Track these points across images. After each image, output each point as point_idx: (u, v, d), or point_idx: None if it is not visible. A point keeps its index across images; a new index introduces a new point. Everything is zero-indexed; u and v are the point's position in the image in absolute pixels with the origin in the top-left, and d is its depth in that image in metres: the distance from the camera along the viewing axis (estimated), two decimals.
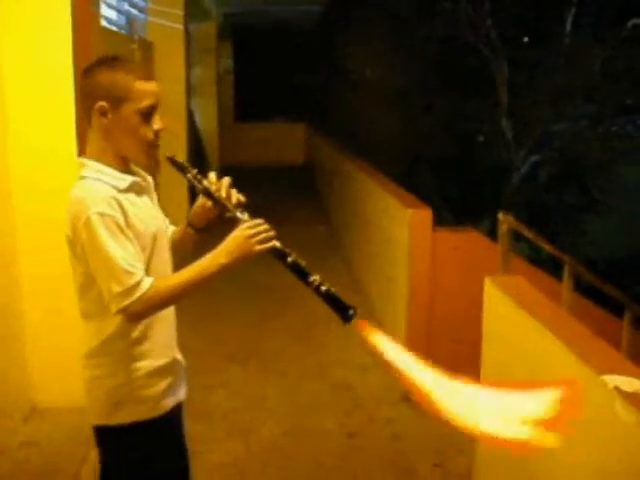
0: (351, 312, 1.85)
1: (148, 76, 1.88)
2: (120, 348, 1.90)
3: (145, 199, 1.96)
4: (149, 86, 1.87)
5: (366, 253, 6.21)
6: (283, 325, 5.53)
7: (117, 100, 1.83)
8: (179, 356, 2.08)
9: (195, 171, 1.99)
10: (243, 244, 1.84)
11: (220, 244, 1.87)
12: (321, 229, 9.01)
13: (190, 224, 2.10)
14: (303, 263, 1.89)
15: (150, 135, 1.88)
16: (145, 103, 1.85)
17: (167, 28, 7.52)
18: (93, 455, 3.38)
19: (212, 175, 2.01)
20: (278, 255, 1.89)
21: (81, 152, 3.72)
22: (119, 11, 6.52)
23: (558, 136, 10.89)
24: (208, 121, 11.02)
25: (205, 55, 10.98)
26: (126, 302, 1.76)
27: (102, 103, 1.83)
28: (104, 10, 5.53)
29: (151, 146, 1.90)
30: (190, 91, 8.65)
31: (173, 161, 1.98)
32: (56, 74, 3.63)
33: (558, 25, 10.83)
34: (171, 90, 7.60)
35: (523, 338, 2.52)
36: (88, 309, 1.90)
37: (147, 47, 7.06)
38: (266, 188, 12.42)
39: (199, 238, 2.13)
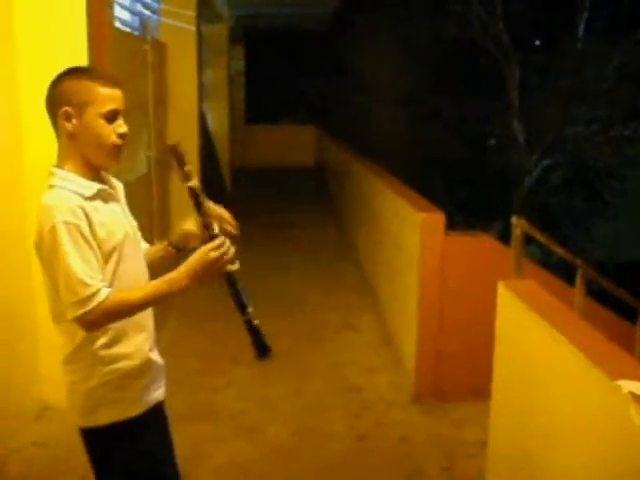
0: (269, 353, 2.01)
1: (113, 82, 1.93)
2: (91, 353, 1.94)
3: (113, 206, 1.99)
4: (113, 91, 1.92)
5: (377, 255, 6.21)
6: (290, 326, 5.53)
7: (81, 105, 1.88)
8: (155, 357, 2.11)
9: (190, 167, 2.01)
10: (210, 268, 1.88)
11: (184, 264, 1.89)
12: (332, 231, 9.01)
13: (171, 244, 2.16)
14: (247, 293, 1.98)
15: (114, 138, 1.92)
16: (108, 107, 1.90)
17: (180, 30, 7.53)
18: None
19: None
20: (229, 279, 1.95)
21: None
22: (132, 12, 6.54)
23: (570, 140, 10.86)
24: (219, 123, 11.01)
25: (217, 57, 10.98)
26: (80, 312, 1.79)
27: (66, 108, 1.88)
28: (117, 11, 5.55)
29: (116, 148, 1.94)
30: (202, 93, 8.66)
31: (174, 149, 1.99)
32: None
33: (570, 29, 10.81)
34: (184, 92, 7.61)
35: (536, 342, 2.51)
36: (58, 314, 1.92)
37: (160, 48, 7.07)
38: (277, 190, 12.46)
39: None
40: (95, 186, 1.92)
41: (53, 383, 3.89)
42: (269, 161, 14.83)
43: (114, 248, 1.91)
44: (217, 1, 10.19)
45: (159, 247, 2.19)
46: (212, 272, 1.89)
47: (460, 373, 4.17)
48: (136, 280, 1.99)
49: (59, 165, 1.93)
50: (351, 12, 12.39)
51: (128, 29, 6.21)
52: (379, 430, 3.94)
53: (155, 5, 7.36)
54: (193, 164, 8.49)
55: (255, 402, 4.23)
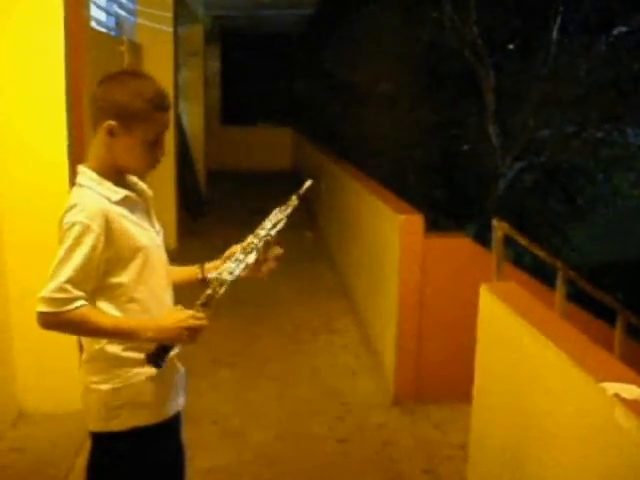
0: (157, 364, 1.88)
1: (167, 105, 1.89)
2: (118, 353, 1.89)
3: (139, 215, 1.94)
4: (165, 117, 1.88)
5: (354, 258, 6.20)
6: (271, 329, 5.50)
7: (129, 123, 1.83)
8: (179, 364, 2.07)
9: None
10: (176, 334, 1.84)
11: (162, 319, 1.87)
12: (308, 234, 8.98)
13: (202, 268, 2.15)
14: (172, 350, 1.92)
15: (152, 162, 1.91)
16: (156, 132, 1.87)
17: (156, 30, 7.47)
18: (80, 462, 3.35)
19: None
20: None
21: (72, 157, 3.69)
22: (108, 13, 6.48)
23: (544, 143, 10.96)
24: (195, 124, 10.93)
25: (193, 58, 10.91)
26: (44, 309, 1.75)
27: (112, 122, 1.82)
28: (93, 11, 5.49)
29: (150, 167, 1.93)
30: (177, 94, 8.60)
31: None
32: (48, 78, 3.61)
33: (544, 33, 10.89)
34: None
35: (519, 344, 2.52)
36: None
37: (136, 49, 7.01)
38: (251, 192, 12.40)
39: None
40: (122, 192, 1.87)
41: (29, 389, 3.84)
42: (245, 163, 14.75)
43: (138, 249, 1.87)
44: (193, 2, 10.13)
45: (186, 268, 2.17)
46: (176, 339, 1.86)
47: (441, 375, 4.18)
48: (160, 289, 1.96)
49: (89, 164, 1.89)
50: (329, 15, 12.39)
51: (104, 29, 6.16)
52: (360, 433, 3.93)
53: (131, 6, 7.29)
54: (169, 166, 8.45)
55: (238, 406, 4.19)
